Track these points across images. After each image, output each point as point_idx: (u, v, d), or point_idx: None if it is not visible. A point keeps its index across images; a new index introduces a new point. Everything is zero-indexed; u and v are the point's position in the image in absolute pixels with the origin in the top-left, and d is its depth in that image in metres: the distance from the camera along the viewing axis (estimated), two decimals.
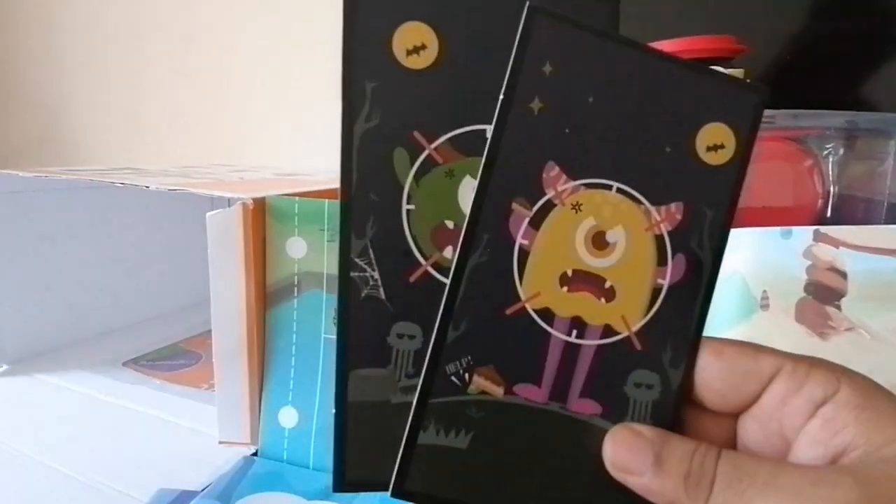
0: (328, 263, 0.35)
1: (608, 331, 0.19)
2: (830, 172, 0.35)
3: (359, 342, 0.17)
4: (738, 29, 0.42)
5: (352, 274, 0.17)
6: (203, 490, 0.33)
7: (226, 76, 0.91)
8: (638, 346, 0.19)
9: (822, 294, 0.29)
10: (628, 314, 0.19)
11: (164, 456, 0.37)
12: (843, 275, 0.29)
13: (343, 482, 0.18)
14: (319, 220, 0.35)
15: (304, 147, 0.85)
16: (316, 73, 0.82)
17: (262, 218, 0.35)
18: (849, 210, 0.35)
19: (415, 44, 0.16)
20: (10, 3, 1.09)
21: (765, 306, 0.30)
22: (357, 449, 0.18)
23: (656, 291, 0.19)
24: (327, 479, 0.35)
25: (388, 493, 0.17)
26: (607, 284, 0.18)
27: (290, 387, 0.36)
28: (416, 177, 0.17)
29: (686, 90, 0.18)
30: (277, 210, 0.35)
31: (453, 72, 0.17)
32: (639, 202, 0.18)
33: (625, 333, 0.19)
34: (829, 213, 0.35)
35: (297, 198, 0.35)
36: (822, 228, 0.29)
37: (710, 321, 0.31)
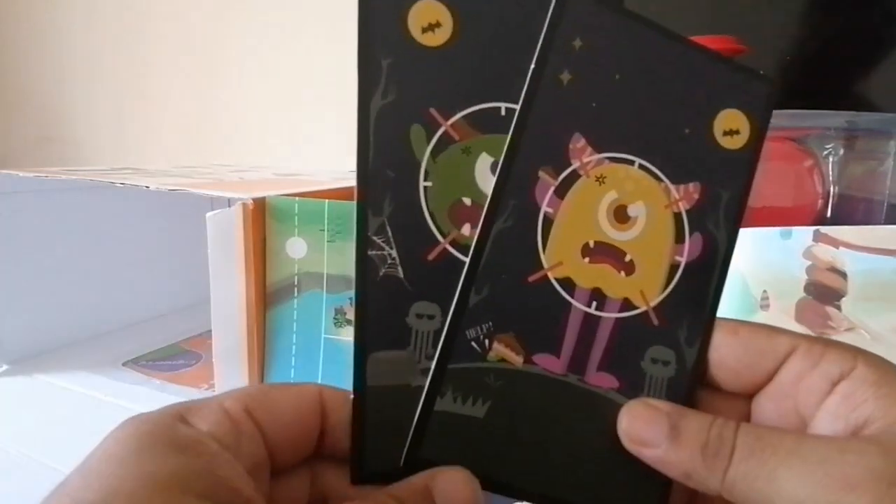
0: (328, 264, 0.35)
1: (627, 304, 0.19)
2: (830, 172, 0.35)
3: (377, 323, 0.17)
4: (738, 29, 0.42)
5: (369, 252, 0.17)
6: None
7: (226, 76, 0.91)
8: (655, 322, 0.19)
9: (822, 294, 0.29)
10: (646, 289, 0.19)
11: None
12: (843, 275, 0.29)
13: (363, 473, 0.17)
14: (319, 220, 0.35)
15: (304, 147, 0.85)
16: (317, 74, 0.82)
17: (262, 218, 0.35)
18: (849, 210, 0.35)
19: (430, 21, 0.17)
20: (11, 3, 1.09)
21: (765, 306, 0.30)
22: (377, 436, 0.17)
23: (674, 268, 0.19)
24: None
25: (401, 462, 0.17)
26: (627, 258, 0.19)
27: None
28: (433, 154, 0.17)
29: (706, 76, 0.19)
30: (277, 210, 0.35)
31: (468, 49, 0.17)
32: (659, 179, 0.19)
33: (643, 308, 0.19)
34: (829, 213, 0.35)
35: (297, 198, 0.35)
36: (822, 228, 0.29)
37: None
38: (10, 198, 0.49)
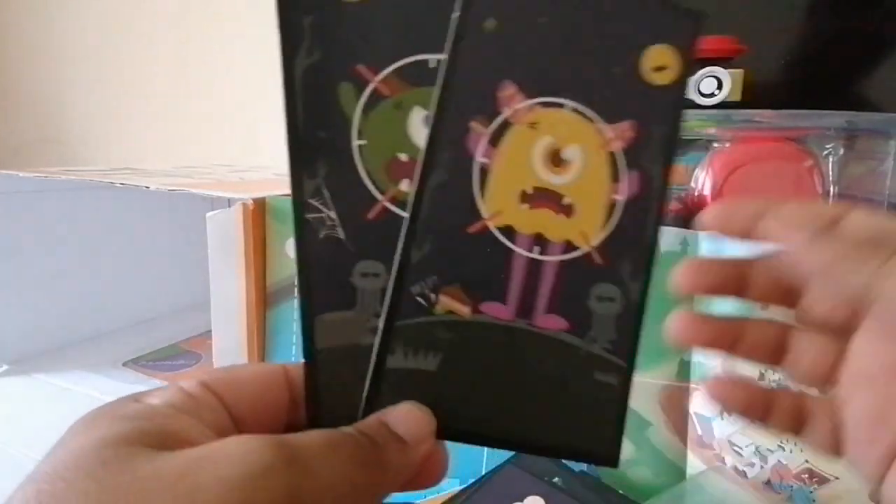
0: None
1: (569, 246, 0.19)
2: (830, 172, 0.35)
3: (322, 286, 0.17)
4: (738, 29, 0.42)
5: (307, 216, 0.17)
6: None
7: (226, 76, 0.91)
8: (598, 261, 0.19)
9: None
10: (587, 229, 0.19)
11: None
12: None
13: None
14: None
15: None
16: None
17: (262, 218, 0.35)
18: None
19: None
20: (10, 3, 1.09)
21: (765, 306, 0.30)
22: (331, 397, 0.17)
23: (612, 207, 0.19)
24: None
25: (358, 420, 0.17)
26: (566, 201, 0.19)
27: None
28: (365, 111, 0.16)
29: (631, 13, 0.19)
30: (277, 210, 0.35)
31: (392, 3, 0.17)
32: (592, 121, 0.18)
33: (585, 248, 0.19)
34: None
35: None
36: None
37: None
38: (10, 198, 0.49)
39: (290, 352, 0.36)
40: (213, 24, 0.91)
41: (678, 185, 0.40)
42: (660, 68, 0.19)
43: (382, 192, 0.17)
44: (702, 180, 0.36)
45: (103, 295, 0.58)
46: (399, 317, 0.17)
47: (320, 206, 0.17)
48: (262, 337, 0.36)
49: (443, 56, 0.17)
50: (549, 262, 0.19)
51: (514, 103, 0.18)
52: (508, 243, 0.18)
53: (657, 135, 0.19)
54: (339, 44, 0.16)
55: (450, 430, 0.17)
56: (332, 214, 0.17)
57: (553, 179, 0.18)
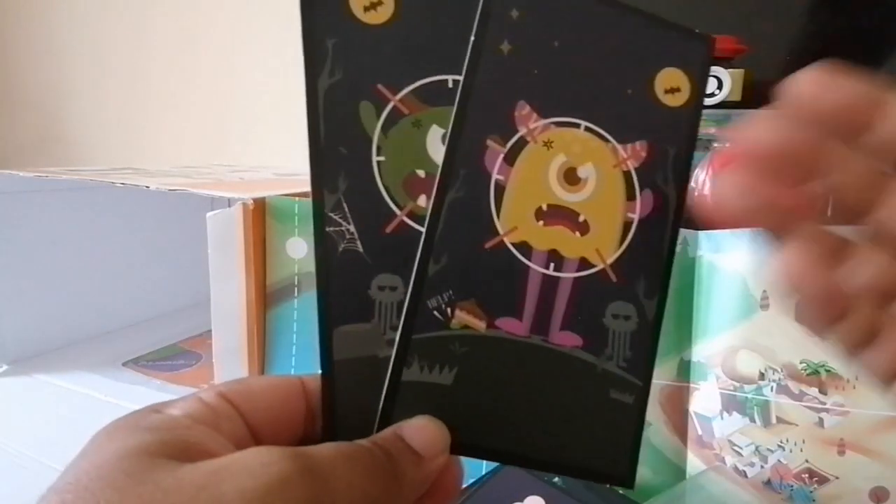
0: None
1: (584, 263, 0.19)
2: None
3: (340, 298, 0.17)
4: (738, 29, 0.42)
5: (327, 229, 0.17)
6: None
7: (226, 76, 0.91)
8: (613, 279, 0.19)
9: None
10: (602, 247, 0.19)
11: None
12: None
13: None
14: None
15: (305, 147, 0.85)
16: None
17: (262, 218, 0.35)
18: None
19: (371, 0, 0.17)
20: (11, 2, 1.09)
21: (765, 306, 0.30)
22: (348, 409, 0.17)
23: (627, 225, 0.19)
24: None
25: (373, 433, 0.17)
26: (581, 218, 0.19)
27: None
28: (384, 129, 0.17)
29: (643, 37, 0.19)
30: (277, 210, 0.35)
31: (410, 25, 0.17)
32: (606, 140, 0.19)
33: (600, 266, 0.19)
34: (829, 213, 0.35)
35: (297, 198, 0.35)
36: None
37: (711, 320, 0.31)
38: (10, 198, 0.49)
39: (290, 352, 0.36)
40: (213, 24, 0.91)
41: None
42: (672, 90, 0.19)
43: (401, 208, 0.17)
44: (702, 180, 0.36)
45: (103, 295, 0.58)
46: (415, 330, 0.17)
47: (340, 220, 0.17)
48: (262, 337, 0.36)
49: (460, 77, 0.17)
50: (565, 278, 0.19)
51: (530, 122, 0.18)
52: (524, 259, 0.18)
53: (671, 155, 0.19)
54: (360, 64, 0.17)
55: (464, 445, 0.18)
56: (352, 228, 0.17)
57: (568, 197, 0.19)
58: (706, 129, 0.37)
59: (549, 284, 0.19)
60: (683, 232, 0.32)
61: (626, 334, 0.20)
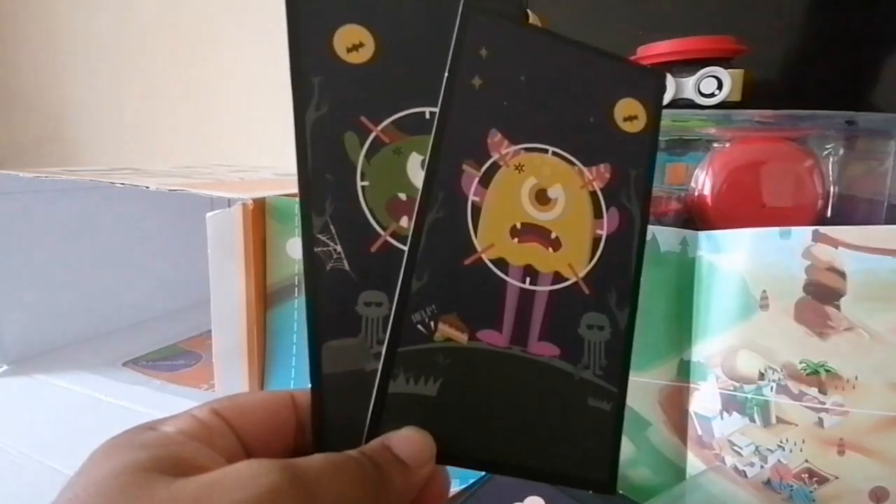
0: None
1: (558, 277, 0.20)
2: (830, 172, 0.35)
3: (328, 314, 0.18)
4: (738, 29, 0.42)
5: (315, 249, 0.18)
6: None
7: (226, 76, 0.91)
8: (586, 291, 0.21)
9: (822, 294, 0.29)
10: (574, 262, 0.21)
11: None
12: (843, 275, 0.29)
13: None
14: None
15: None
16: None
17: (262, 218, 0.35)
18: (849, 210, 0.35)
19: (353, 42, 0.18)
20: (11, 3, 1.09)
21: (764, 306, 0.30)
22: (336, 421, 0.18)
23: (596, 241, 0.21)
24: None
25: (362, 444, 0.18)
26: (553, 235, 0.20)
27: (290, 387, 0.36)
28: (367, 156, 0.18)
29: (602, 71, 0.21)
30: (277, 210, 0.35)
31: (389, 64, 0.19)
32: (572, 163, 0.20)
33: (573, 279, 0.21)
34: (829, 213, 0.35)
35: (297, 198, 0.35)
36: (821, 229, 0.29)
37: (711, 320, 0.31)
38: (10, 198, 0.49)
39: (291, 352, 0.36)
40: (213, 24, 0.91)
41: (678, 185, 0.40)
42: (630, 118, 0.21)
43: (384, 228, 0.19)
44: (702, 180, 0.36)
45: (103, 295, 0.58)
46: (401, 343, 0.18)
47: (328, 241, 0.18)
48: (262, 337, 0.36)
49: (436, 109, 0.19)
50: (540, 291, 0.20)
51: (502, 148, 0.20)
52: (501, 274, 0.20)
53: (633, 176, 0.21)
54: (344, 99, 0.18)
55: (449, 454, 0.18)
56: (339, 248, 0.18)
57: (540, 216, 0.20)
58: (706, 129, 0.37)
59: (526, 297, 0.20)
60: (683, 232, 0.32)
61: (600, 344, 0.21)
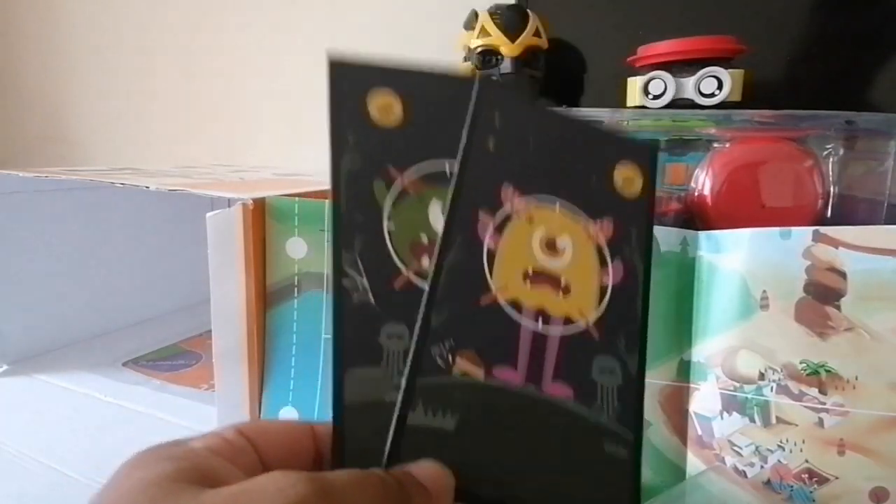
0: (328, 264, 0.35)
1: (569, 321, 0.21)
2: (830, 172, 0.35)
3: (352, 342, 0.19)
4: (738, 29, 0.42)
5: (343, 281, 0.19)
6: None
7: (226, 76, 0.91)
8: (596, 336, 0.21)
9: (822, 294, 0.29)
10: (584, 308, 0.21)
11: None
12: (843, 275, 0.29)
13: None
14: (319, 220, 0.35)
15: (305, 147, 0.85)
16: (316, 75, 0.82)
17: (262, 218, 0.35)
18: (849, 210, 0.35)
19: (383, 105, 0.20)
20: (12, 3, 1.09)
21: (764, 306, 0.30)
22: (356, 449, 0.18)
23: (603, 289, 0.22)
24: None
25: None
26: (563, 282, 0.21)
27: (290, 387, 0.36)
28: (393, 203, 0.20)
29: (602, 140, 0.23)
30: (277, 210, 0.35)
31: (416, 126, 0.20)
32: (578, 217, 0.22)
33: (583, 324, 0.21)
34: (829, 214, 0.35)
35: (297, 198, 0.35)
36: (822, 229, 0.29)
37: (711, 320, 0.31)
38: (10, 198, 0.49)
39: (291, 352, 0.36)
40: (214, 24, 0.91)
41: (678, 185, 0.40)
42: (628, 181, 0.23)
43: (407, 266, 0.20)
44: (702, 180, 0.36)
45: (103, 295, 0.58)
46: (420, 374, 0.19)
47: (355, 275, 0.19)
48: (262, 337, 0.36)
49: (455, 165, 0.21)
50: (553, 334, 0.21)
51: (514, 200, 0.21)
52: (515, 315, 0.21)
53: (634, 234, 0.23)
54: (374, 153, 0.20)
55: (464, 492, 0.19)
56: (365, 282, 0.20)
57: (550, 263, 0.21)
58: (706, 129, 0.37)
59: (539, 339, 0.21)
60: (683, 232, 0.32)
61: (613, 388, 0.21)
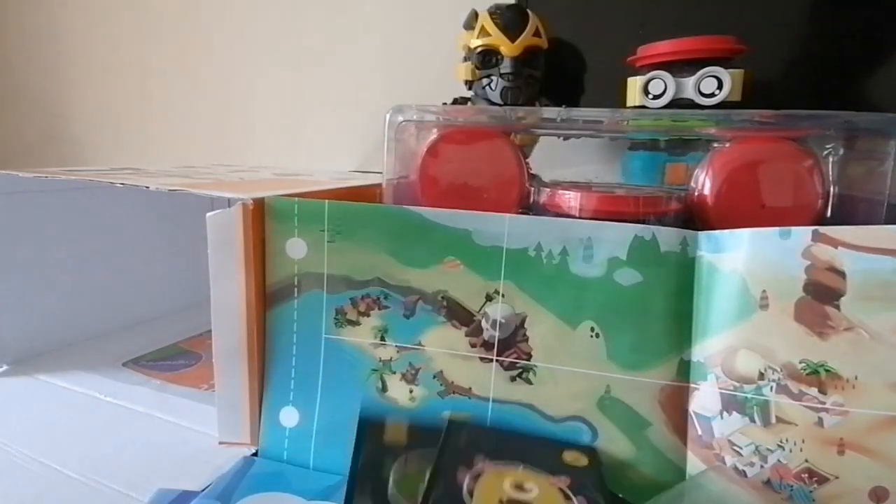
0: (328, 264, 0.35)
1: None
2: (830, 172, 0.35)
3: None
4: (738, 29, 0.42)
5: None
6: (203, 490, 0.33)
7: (226, 76, 0.91)
8: None
9: (822, 294, 0.29)
10: None
11: (164, 456, 0.37)
12: (843, 275, 0.29)
13: None
14: (319, 220, 0.35)
15: (304, 147, 0.85)
16: (316, 74, 0.82)
17: (261, 218, 0.35)
18: (849, 210, 0.35)
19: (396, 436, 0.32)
20: (11, 3, 1.09)
21: (764, 306, 0.30)
22: None
23: None
24: (327, 479, 0.35)
25: None
26: None
27: (290, 387, 0.36)
28: (394, 479, 0.30)
29: (547, 441, 0.32)
30: (277, 210, 0.35)
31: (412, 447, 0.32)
32: (539, 473, 0.29)
33: None
34: (829, 213, 0.35)
35: (296, 198, 0.35)
36: (821, 229, 0.29)
37: (711, 320, 0.31)
38: (10, 198, 0.49)
39: (291, 352, 0.36)
40: (213, 24, 0.91)
41: (678, 185, 0.40)
42: (575, 459, 0.30)
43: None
44: (702, 180, 0.36)
45: (103, 295, 0.58)
46: None
47: None
48: (262, 337, 0.36)
49: (437, 449, 0.30)
50: None
51: (485, 463, 0.30)
52: None
53: (591, 482, 0.29)
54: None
55: None
56: None
57: (521, 496, 0.28)
58: (706, 129, 0.37)
59: None
60: (683, 232, 0.32)
61: None
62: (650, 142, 0.44)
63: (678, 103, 0.41)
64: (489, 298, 0.34)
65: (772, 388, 0.30)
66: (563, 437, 0.33)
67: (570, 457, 0.30)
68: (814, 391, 0.29)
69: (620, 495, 0.32)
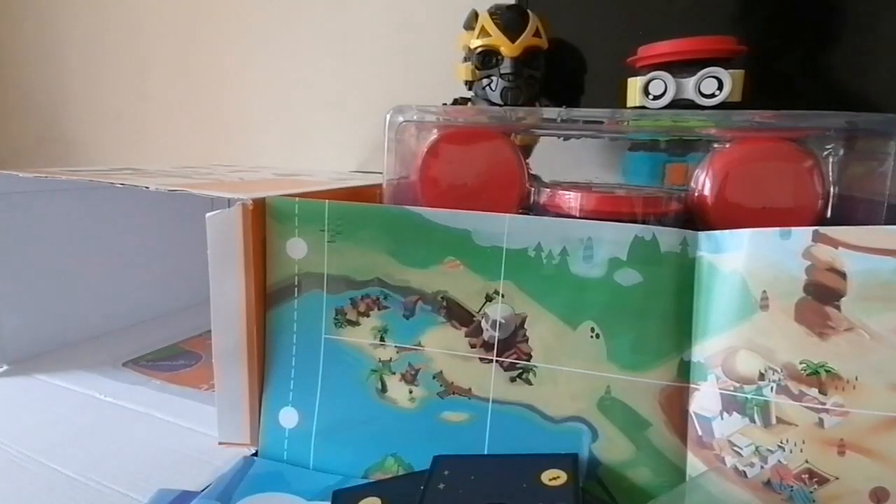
0: (328, 264, 0.35)
1: None
2: (830, 172, 0.35)
3: None
4: (738, 29, 0.42)
5: None
6: (203, 490, 0.33)
7: (226, 76, 0.91)
8: None
9: (822, 294, 0.29)
10: None
11: (164, 456, 0.37)
12: (843, 275, 0.29)
13: None
14: (320, 220, 0.35)
15: (304, 147, 0.85)
16: (316, 74, 0.82)
17: (262, 218, 0.35)
18: (849, 210, 0.35)
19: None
20: (10, 3, 1.09)
21: (764, 306, 0.30)
22: None
23: None
24: (327, 479, 0.35)
25: None
26: None
27: (290, 387, 0.36)
28: None
29: (529, 461, 0.32)
30: (277, 210, 0.35)
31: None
32: None
33: None
34: (829, 214, 0.35)
35: (297, 198, 0.35)
36: (822, 229, 0.29)
37: (711, 320, 0.31)
38: (10, 198, 0.49)
39: (291, 352, 0.36)
40: (213, 24, 0.91)
41: (678, 186, 0.40)
42: (553, 479, 0.30)
43: None
44: (702, 180, 0.36)
45: (103, 295, 0.58)
46: None
47: None
48: (262, 337, 0.36)
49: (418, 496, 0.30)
50: None
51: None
52: None
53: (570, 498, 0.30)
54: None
55: None
56: None
57: None
58: (706, 129, 0.37)
59: None
60: (683, 232, 0.32)
61: None
62: (650, 142, 0.44)
63: (678, 104, 0.41)
64: (489, 299, 0.34)
65: (772, 388, 0.30)
66: (562, 438, 0.32)
67: (548, 477, 0.30)
68: (814, 392, 0.29)
69: (618, 497, 0.32)
